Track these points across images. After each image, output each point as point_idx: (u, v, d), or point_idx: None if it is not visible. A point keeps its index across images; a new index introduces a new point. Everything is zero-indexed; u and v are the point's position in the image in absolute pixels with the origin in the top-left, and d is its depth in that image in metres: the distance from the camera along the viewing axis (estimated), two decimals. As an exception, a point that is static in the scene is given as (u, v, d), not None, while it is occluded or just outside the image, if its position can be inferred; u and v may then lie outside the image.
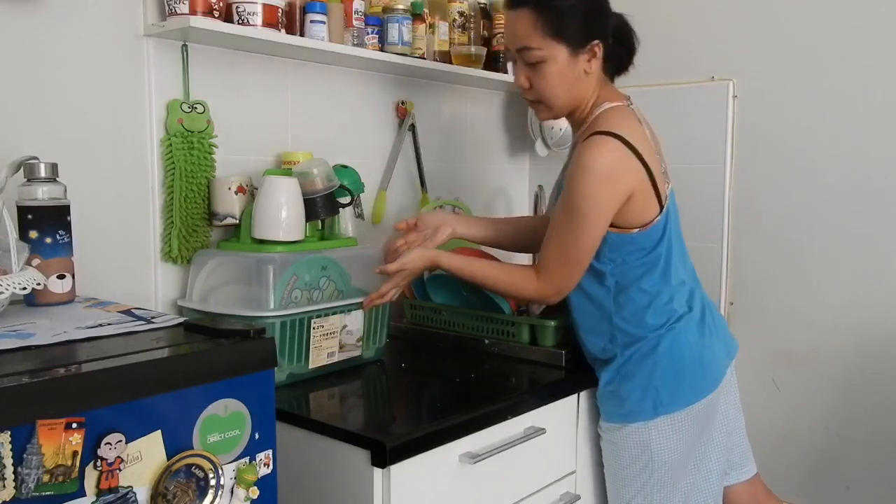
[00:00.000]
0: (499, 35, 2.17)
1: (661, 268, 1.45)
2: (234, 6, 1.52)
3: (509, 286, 1.49)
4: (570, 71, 1.41)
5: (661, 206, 1.42)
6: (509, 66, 2.20)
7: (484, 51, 2.08)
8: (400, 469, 1.19)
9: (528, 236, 1.73)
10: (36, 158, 1.20)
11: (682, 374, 1.45)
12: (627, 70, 1.53)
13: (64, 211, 1.21)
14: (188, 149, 1.56)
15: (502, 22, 2.16)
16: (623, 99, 1.48)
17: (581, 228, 1.38)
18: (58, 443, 0.80)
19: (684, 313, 1.47)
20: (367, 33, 1.80)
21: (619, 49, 1.48)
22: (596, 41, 1.41)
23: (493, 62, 2.15)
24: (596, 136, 1.36)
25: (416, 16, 1.90)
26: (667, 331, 1.45)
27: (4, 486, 0.77)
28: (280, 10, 1.57)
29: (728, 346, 1.54)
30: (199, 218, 1.59)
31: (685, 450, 1.46)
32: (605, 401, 1.51)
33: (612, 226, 1.41)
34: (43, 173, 1.20)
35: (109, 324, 1.06)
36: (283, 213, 1.48)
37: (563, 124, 2.30)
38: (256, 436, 1.00)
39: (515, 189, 2.48)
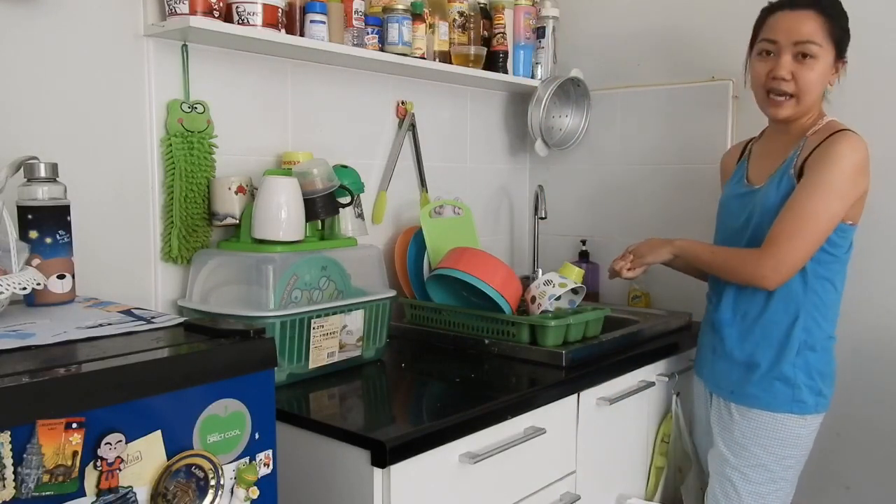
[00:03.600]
0: (499, 35, 2.17)
1: (844, 274, 1.56)
2: (234, 6, 1.52)
3: (737, 265, 1.54)
4: (827, 75, 1.54)
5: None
6: (509, 65, 2.21)
7: (484, 51, 2.08)
8: (400, 469, 1.19)
9: None
10: (36, 158, 1.20)
11: (833, 382, 1.58)
12: None
13: (64, 211, 1.21)
14: (188, 149, 1.56)
15: (502, 22, 2.17)
16: None
17: (824, 200, 1.45)
18: (58, 443, 0.80)
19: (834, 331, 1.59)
20: (367, 33, 1.80)
21: None
22: (845, 59, 1.55)
23: (493, 62, 2.15)
24: (848, 132, 1.48)
25: (416, 16, 1.90)
26: (833, 337, 1.57)
27: (4, 486, 0.77)
28: (280, 10, 1.57)
29: None
30: (199, 218, 1.59)
31: (809, 451, 1.59)
32: (771, 386, 1.54)
33: None
34: (43, 173, 1.20)
35: (109, 324, 1.06)
36: (283, 213, 1.48)
37: (563, 125, 2.31)
38: (256, 436, 1.00)
39: (515, 189, 2.48)
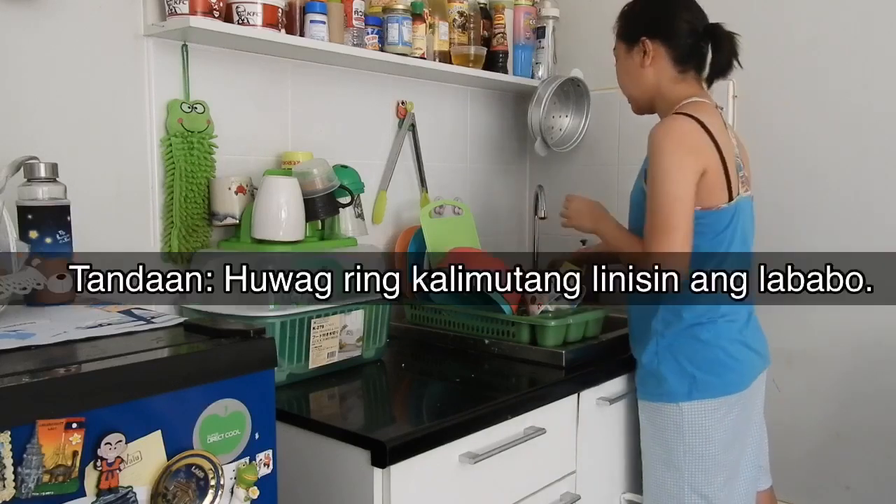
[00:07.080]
0: (499, 35, 2.17)
1: (719, 260, 1.51)
2: (234, 6, 1.52)
3: (633, 255, 1.52)
4: (628, 65, 1.62)
5: (731, 199, 1.49)
6: (509, 65, 2.21)
7: (484, 51, 2.08)
8: (400, 469, 1.19)
9: None
10: (36, 158, 1.20)
11: (720, 366, 1.53)
12: (726, 75, 1.60)
13: (64, 211, 1.21)
14: (188, 149, 1.56)
15: (502, 22, 2.17)
16: (711, 101, 1.58)
17: (664, 191, 1.43)
18: (58, 443, 0.80)
19: (731, 311, 1.54)
20: (367, 33, 1.80)
21: (717, 55, 1.58)
22: (643, 38, 1.57)
23: (493, 62, 2.15)
24: (670, 117, 1.50)
25: (416, 16, 1.90)
26: (711, 321, 1.53)
27: (4, 486, 0.77)
28: (280, 10, 1.57)
29: (763, 356, 1.62)
30: (199, 218, 1.59)
31: (721, 441, 1.53)
32: (645, 379, 1.60)
33: None
34: (43, 173, 1.20)
35: (109, 324, 1.05)
36: (283, 213, 1.48)
37: (563, 125, 2.31)
38: (256, 436, 1.00)
39: (515, 189, 2.48)
